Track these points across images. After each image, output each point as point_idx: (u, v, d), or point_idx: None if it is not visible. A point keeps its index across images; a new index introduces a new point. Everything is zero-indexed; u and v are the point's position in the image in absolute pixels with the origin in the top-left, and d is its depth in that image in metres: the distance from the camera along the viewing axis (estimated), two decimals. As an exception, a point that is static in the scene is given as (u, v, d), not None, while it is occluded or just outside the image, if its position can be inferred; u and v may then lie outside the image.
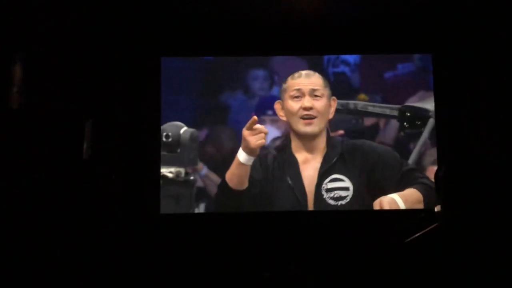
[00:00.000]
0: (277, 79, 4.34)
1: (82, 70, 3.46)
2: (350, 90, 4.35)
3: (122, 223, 3.90)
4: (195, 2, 3.81)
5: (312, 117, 3.91)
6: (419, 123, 4.22)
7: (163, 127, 4.16)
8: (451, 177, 1.69)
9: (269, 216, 4.05)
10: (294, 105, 3.94)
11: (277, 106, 4.03)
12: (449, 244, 1.63)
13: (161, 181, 4.13)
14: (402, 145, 4.24)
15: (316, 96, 3.95)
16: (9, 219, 2.51)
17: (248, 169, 3.84)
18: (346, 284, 3.09)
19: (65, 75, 3.21)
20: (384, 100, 4.33)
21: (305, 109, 3.92)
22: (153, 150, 4.14)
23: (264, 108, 4.27)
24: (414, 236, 1.70)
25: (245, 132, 3.80)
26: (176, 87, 4.30)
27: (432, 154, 4.23)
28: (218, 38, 4.26)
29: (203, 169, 4.18)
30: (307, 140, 3.96)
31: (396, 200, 3.93)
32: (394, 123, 4.27)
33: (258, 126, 3.80)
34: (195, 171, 4.16)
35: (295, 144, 3.99)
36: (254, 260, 3.55)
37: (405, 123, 4.23)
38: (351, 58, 4.41)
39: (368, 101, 4.31)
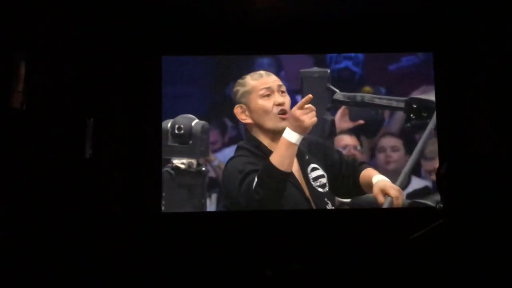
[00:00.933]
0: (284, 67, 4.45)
1: (83, 70, 3.47)
2: (354, 84, 4.44)
3: (123, 222, 3.71)
4: (195, 2, 3.85)
5: (286, 112, 3.93)
6: (425, 114, 4.27)
7: (175, 119, 4.24)
8: (453, 174, 1.69)
9: (270, 215, 4.05)
10: (266, 103, 3.96)
11: (237, 110, 4.03)
12: (451, 241, 1.63)
13: (173, 172, 4.21)
14: (408, 136, 4.34)
15: (282, 92, 4.01)
16: (10, 218, 2.49)
17: (297, 149, 3.83)
18: (349, 282, 3.11)
19: (66, 74, 3.22)
20: (389, 92, 4.41)
21: (280, 104, 3.94)
22: (154, 149, 4.19)
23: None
24: (416, 234, 1.70)
25: (297, 112, 3.75)
26: (177, 85, 4.39)
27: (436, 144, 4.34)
28: (218, 37, 4.32)
29: (216, 160, 4.29)
30: (279, 136, 3.88)
31: (388, 180, 4.02)
32: (400, 114, 4.33)
33: (308, 104, 3.79)
34: (207, 162, 4.27)
35: (268, 143, 3.97)
36: (255, 258, 3.56)
37: (411, 115, 4.28)
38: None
39: (373, 93, 4.38)
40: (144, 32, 4.21)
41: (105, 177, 3.52)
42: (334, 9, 4.03)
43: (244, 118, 4.01)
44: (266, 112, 3.94)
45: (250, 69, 4.36)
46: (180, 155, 4.21)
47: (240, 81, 4.07)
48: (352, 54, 4.46)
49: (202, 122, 4.23)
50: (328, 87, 4.30)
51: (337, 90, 4.30)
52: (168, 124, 4.22)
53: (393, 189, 3.96)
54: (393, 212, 3.98)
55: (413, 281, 1.63)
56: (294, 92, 4.32)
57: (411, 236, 1.70)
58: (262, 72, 4.11)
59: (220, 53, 4.39)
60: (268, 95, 3.96)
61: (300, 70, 4.31)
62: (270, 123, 3.93)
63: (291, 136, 3.75)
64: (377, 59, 4.48)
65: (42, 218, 2.57)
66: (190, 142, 4.20)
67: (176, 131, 4.20)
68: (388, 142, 4.38)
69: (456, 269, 1.59)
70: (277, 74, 4.32)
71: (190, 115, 4.25)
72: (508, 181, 1.64)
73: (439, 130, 4.28)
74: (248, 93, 4.00)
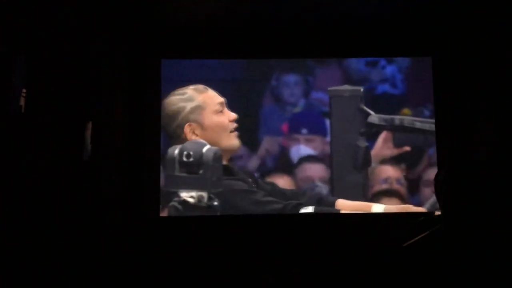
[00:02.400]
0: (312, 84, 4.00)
1: (83, 73, 3.42)
2: (393, 106, 3.92)
3: (122, 225, 3.75)
4: (196, 4, 3.68)
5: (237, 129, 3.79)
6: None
7: (183, 145, 3.74)
8: (451, 181, 1.66)
9: (270, 217, 3.82)
10: (222, 119, 3.79)
11: (187, 129, 3.78)
12: (449, 248, 1.63)
13: (181, 207, 3.71)
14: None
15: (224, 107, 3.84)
16: (10, 220, 2.57)
17: None
18: (346, 286, 2.85)
19: (65, 77, 3.22)
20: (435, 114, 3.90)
21: (234, 121, 3.79)
22: (153, 152, 3.98)
23: (298, 126, 3.91)
24: (413, 240, 1.69)
25: None
26: (177, 88, 3.98)
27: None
28: (218, 40, 4.11)
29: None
30: (229, 154, 3.80)
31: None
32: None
33: None
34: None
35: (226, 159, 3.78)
36: (254, 262, 3.43)
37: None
38: (389, 70, 4.00)
39: (413, 115, 3.87)
40: (144, 35, 4.09)
41: (103, 179, 3.52)
42: (331, 13, 3.75)
43: (196, 136, 3.77)
44: (223, 129, 3.78)
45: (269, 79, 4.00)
46: (189, 187, 3.67)
47: (180, 97, 3.83)
48: (388, 74, 3.98)
49: (214, 148, 3.69)
50: (361, 108, 3.80)
51: (372, 112, 3.80)
52: (175, 150, 3.69)
53: None
54: (392, 215, 3.74)
55: (410, 287, 1.62)
56: (322, 115, 3.88)
57: (406, 243, 1.69)
58: (199, 85, 3.86)
59: (221, 56, 4.12)
60: (221, 111, 3.79)
61: (328, 88, 3.85)
62: (225, 141, 3.75)
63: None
64: (419, 74, 3.99)
65: (42, 219, 2.82)
66: (201, 171, 3.66)
67: (185, 159, 3.66)
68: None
69: (454, 275, 1.57)
70: (306, 91, 3.98)
71: (201, 140, 3.74)
72: (507, 187, 1.62)
73: (438, 136, 3.88)
74: (200, 108, 3.80)
